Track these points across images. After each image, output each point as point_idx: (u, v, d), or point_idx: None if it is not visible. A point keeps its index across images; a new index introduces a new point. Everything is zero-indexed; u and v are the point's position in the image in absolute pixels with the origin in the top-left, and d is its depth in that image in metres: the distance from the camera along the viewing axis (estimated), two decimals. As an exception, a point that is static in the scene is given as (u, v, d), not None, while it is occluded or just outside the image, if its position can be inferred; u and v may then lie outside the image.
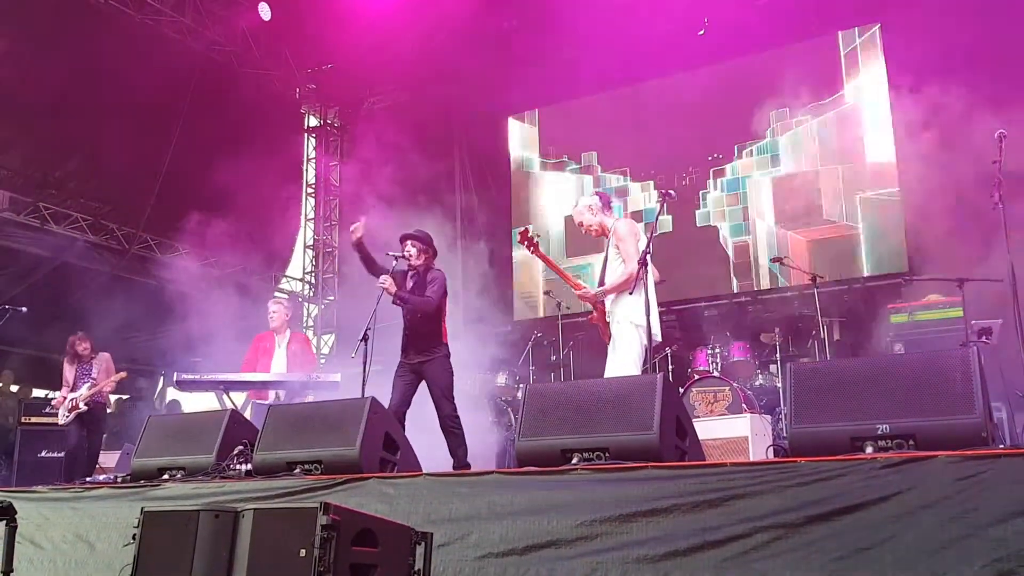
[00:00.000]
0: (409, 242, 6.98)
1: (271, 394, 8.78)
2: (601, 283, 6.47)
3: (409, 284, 6.93)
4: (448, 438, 6.66)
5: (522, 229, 6.83)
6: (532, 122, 13.81)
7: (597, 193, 6.75)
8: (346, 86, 14.95)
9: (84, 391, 9.09)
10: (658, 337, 6.13)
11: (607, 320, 6.41)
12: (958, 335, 7.87)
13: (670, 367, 9.55)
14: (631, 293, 6.04)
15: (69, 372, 9.30)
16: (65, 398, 9.13)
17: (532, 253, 6.72)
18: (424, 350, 6.78)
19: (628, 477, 4.00)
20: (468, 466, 6.59)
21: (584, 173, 13.21)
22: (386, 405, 6.35)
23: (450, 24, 12.45)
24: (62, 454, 9.68)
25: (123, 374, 9.49)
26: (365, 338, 6.57)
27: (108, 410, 9.59)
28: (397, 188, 11.78)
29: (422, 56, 13.14)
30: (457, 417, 6.71)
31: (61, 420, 9.20)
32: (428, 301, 6.78)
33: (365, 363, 6.54)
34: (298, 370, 8.83)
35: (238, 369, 8.86)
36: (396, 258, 6.88)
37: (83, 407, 9.08)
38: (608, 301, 6.40)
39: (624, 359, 6.14)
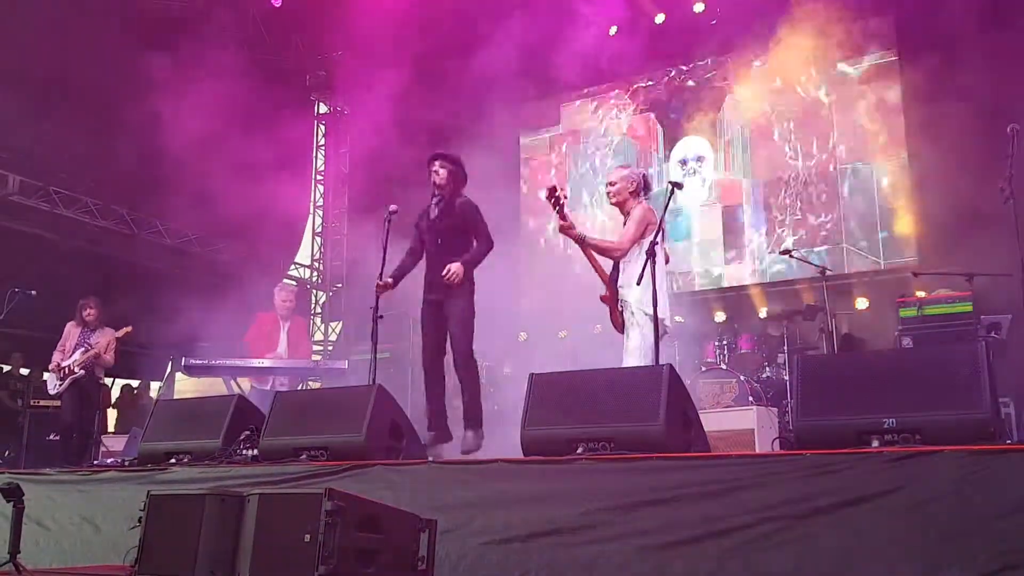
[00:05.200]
0: (438, 162, 6.43)
1: (270, 379, 8.85)
2: (615, 270, 6.38)
3: (434, 212, 6.47)
4: (460, 374, 6.23)
5: (550, 186, 6.17)
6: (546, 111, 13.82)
7: (644, 175, 6.49)
8: (357, 73, 14.92)
9: (78, 356, 8.85)
10: (667, 325, 6.12)
11: (619, 307, 6.34)
12: (967, 330, 7.85)
13: (676, 358, 9.55)
14: (638, 283, 6.00)
15: (71, 335, 9.05)
16: (59, 365, 8.88)
17: (556, 213, 6.16)
18: (448, 285, 6.26)
19: (632, 467, 4.00)
20: (479, 414, 6.22)
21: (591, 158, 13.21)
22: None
23: (462, 11, 12.42)
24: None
25: (127, 328, 9.12)
26: (375, 319, 6.38)
27: (100, 382, 9.31)
28: (406, 177, 11.76)
29: (434, 44, 13.10)
30: (473, 360, 6.28)
31: (52, 388, 8.96)
32: (488, 245, 6.39)
33: (374, 348, 6.45)
34: (296, 354, 8.91)
35: (247, 354, 8.92)
36: (390, 216, 6.48)
37: (78, 371, 8.80)
38: (622, 290, 6.31)
39: (635, 348, 6.12)
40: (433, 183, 6.46)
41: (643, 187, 6.42)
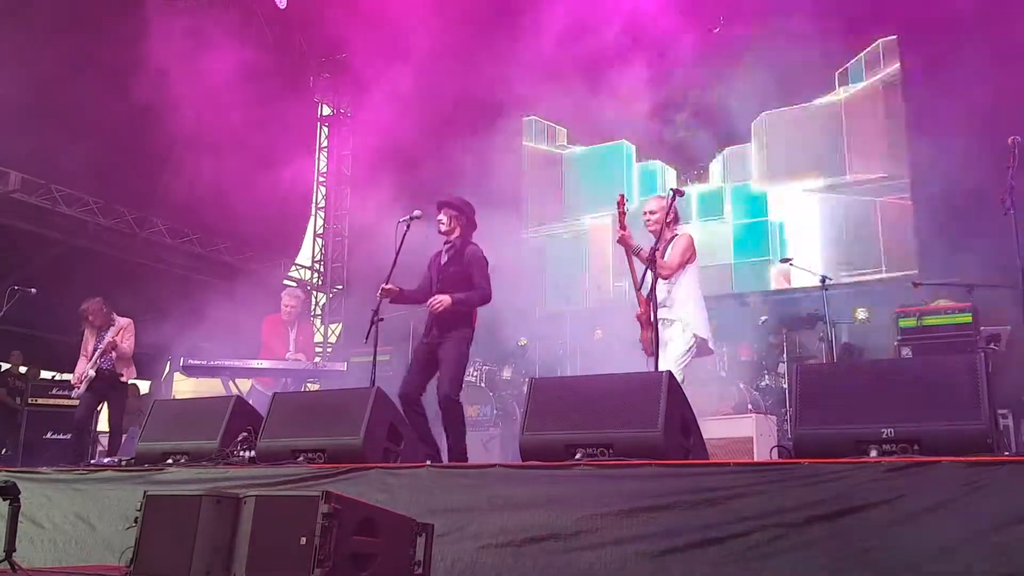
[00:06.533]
0: (441, 210, 6.55)
1: (281, 381, 8.83)
2: (652, 291, 6.47)
3: (444, 258, 6.55)
4: (444, 416, 6.21)
5: (621, 194, 6.66)
6: (549, 114, 13.79)
7: (676, 208, 6.70)
8: (360, 76, 14.93)
9: (94, 358, 8.63)
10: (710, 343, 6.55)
11: (656, 325, 6.38)
12: (966, 341, 7.84)
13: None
14: (639, 288, 6.19)
15: (88, 341, 8.82)
16: (81, 374, 8.66)
17: (620, 222, 6.55)
18: (447, 327, 6.32)
19: (631, 473, 4.00)
20: (464, 451, 6.25)
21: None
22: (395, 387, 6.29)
23: (469, 12, 12.43)
24: (68, 436, 9.39)
25: (127, 320, 8.89)
26: (374, 322, 6.39)
27: (124, 379, 8.89)
28: (409, 179, 11.78)
29: (438, 46, 13.11)
30: (457, 402, 6.24)
31: (75, 393, 8.74)
32: (484, 294, 6.43)
33: (375, 351, 6.45)
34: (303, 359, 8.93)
35: (245, 355, 8.90)
36: (408, 223, 6.51)
37: (91, 373, 8.56)
38: (664, 310, 6.49)
39: (673, 357, 6.34)
40: (440, 232, 6.56)
41: (676, 218, 6.73)
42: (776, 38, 10.85)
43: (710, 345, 6.59)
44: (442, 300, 6.23)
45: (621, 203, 6.58)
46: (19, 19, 10.71)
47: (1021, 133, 5.62)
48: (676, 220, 6.73)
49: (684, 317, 6.48)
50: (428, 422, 6.34)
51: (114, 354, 8.68)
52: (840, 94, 11.57)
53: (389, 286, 6.44)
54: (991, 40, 9.51)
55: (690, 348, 6.42)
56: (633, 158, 12.92)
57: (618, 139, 12.98)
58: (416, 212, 6.56)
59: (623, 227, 6.53)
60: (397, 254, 6.47)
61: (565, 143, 13.64)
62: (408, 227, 6.52)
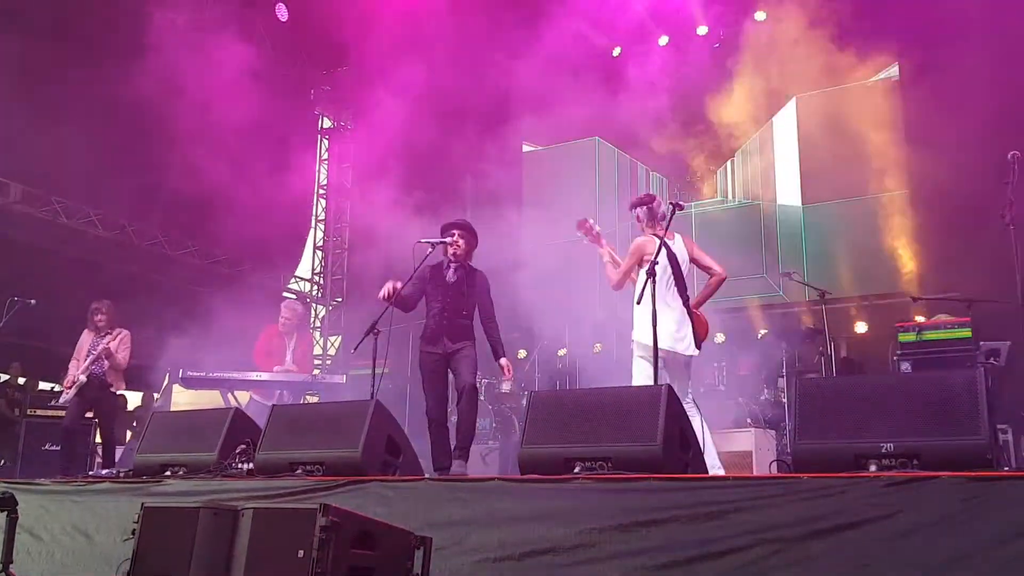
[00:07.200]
0: (457, 232, 6.77)
1: (276, 393, 8.82)
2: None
3: (452, 276, 6.71)
4: (460, 406, 6.47)
5: (580, 219, 6.51)
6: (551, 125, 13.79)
7: (648, 206, 6.40)
8: (361, 88, 14.98)
9: (86, 364, 8.55)
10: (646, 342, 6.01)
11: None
12: (966, 356, 7.83)
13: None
14: (638, 303, 5.92)
15: (85, 343, 8.73)
16: (73, 377, 8.57)
17: (596, 243, 6.45)
18: (458, 339, 6.61)
19: (629, 487, 3.98)
20: (468, 450, 6.43)
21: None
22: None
23: (469, 26, 12.46)
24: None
25: (124, 331, 8.79)
26: (370, 332, 6.38)
27: (114, 390, 8.79)
28: (410, 191, 11.78)
29: (440, 59, 13.14)
30: (475, 388, 6.55)
31: (63, 398, 8.68)
32: (496, 321, 6.81)
33: (374, 363, 6.44)
34: (299, 370, 8.91)
35: (244, 367, 8.89)
36: (433, 244, 6.61)
37: (82, 379, 8.46)
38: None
39: (634, 379, 6.09)
40: (453, 253, 6.72)
41: (648, 217, 6.39)
42: (775, 47, 10.93)
43: (676, 349, 6.04)
44: (508, 368, 6.82)
45: (581, 226, 6.47)
46: (18, 29, 10.74)
47: (1020, 147, 5.63)
48: (651, 221, 6.36)
49: (635, 329, 6.14)
50: (450, 443, 6.53)
51: (106, 363, 8.57)
52: (839, 103, 11.61)
53: (399, 284, 6.51)
54: (992, 49, 9.53)
55: (642, 357, 6.05)
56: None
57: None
58: (447, 238, 6.70)
59: (600, 245, 6.46)
60: (415, 272, 6.55)
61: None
62: (433, 247, 6.62)
